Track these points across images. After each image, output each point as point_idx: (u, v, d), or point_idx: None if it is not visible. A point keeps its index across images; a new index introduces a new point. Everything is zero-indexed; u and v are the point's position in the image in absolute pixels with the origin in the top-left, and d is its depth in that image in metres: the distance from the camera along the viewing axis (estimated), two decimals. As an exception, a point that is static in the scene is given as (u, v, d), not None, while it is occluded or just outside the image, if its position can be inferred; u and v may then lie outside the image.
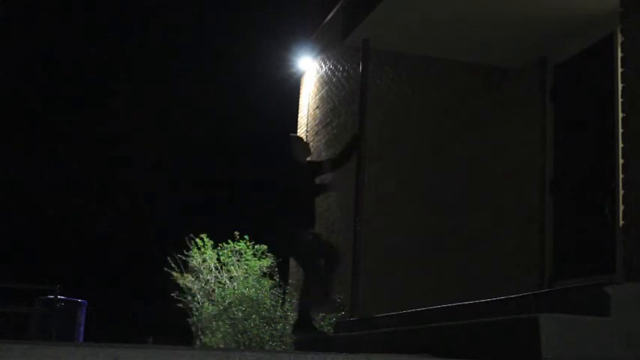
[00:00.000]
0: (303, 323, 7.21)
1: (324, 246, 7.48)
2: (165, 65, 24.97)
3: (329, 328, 9.26)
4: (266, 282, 10.89)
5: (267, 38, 24.44)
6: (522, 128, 7.94)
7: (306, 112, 15.29)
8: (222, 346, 10.10)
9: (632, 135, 4.52)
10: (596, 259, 6.79)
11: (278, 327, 9.75)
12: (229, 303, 10.29)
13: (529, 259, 7.59)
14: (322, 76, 14.55)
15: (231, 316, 10.10)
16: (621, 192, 4.64)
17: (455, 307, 5.01)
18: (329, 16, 13.98)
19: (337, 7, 13.14)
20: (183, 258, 11.57)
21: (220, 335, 10.32)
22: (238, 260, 11.42)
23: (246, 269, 11.24)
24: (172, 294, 11.56)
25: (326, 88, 14.24)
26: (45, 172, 23.69)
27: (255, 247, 11.53)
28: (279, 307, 10.05)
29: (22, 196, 23.29)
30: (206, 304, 11.16)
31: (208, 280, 11.41)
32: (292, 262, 14.78)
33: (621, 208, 4.60)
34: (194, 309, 11.36)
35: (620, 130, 4.79)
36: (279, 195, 7.38)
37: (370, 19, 7.46)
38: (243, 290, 10.47)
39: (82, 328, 14.71)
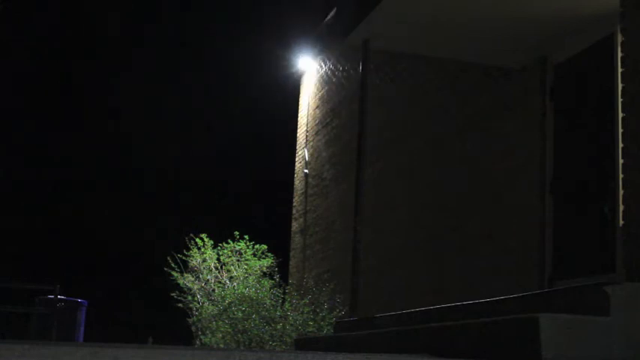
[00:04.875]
0: None
1: None
2: (165, 65, 24.98)
3: (329, 328, 9.26)
4: (266, 282, 10.87)
5: (267, 38, 24.46)
6: (522, 128, 7.94)
7: (306, 111, 15.29)
8: (222, 346, 10.09)
9: (632, 135, 4.51)
10: (596, 259, 6.79)
11: (278, 327, 9.73)
12: (229, 303, 10.27)
13: (529, 259, 7.59)
14: (322, 76, 14.55)
15: (231, 316, 10.08)
16: (621, 192, 4.63)
17: (455, 307, 5.01)
18: (329, 16, 13.99)
19: (337, 6, 13.14)
20: (183, 258, 11.56)
21: (220, 335, 10.31)
22: (238, 260, 11.42)
23: (246, 269, 11.24)
24: (172, 294, 11.55)
25: (326, 88, 14.24)
26: (45, 171, 23.70)
27: (255, 247, 11.52)
28: (279, 307, 10.03)
29: (22, 196, 23.29)
30: (206, 304, 11.15)
31: (208, 280, 11.41)
32: (292, 262, 14.77)
33: (621, 208, 4.60)
34: (194, 309, 11.35)
35: (620, 130, 4.79)
36: None
37: (370, 19, 7.46)
38: (243, 290, 10.45)
39: (82, 328, 14.71)
